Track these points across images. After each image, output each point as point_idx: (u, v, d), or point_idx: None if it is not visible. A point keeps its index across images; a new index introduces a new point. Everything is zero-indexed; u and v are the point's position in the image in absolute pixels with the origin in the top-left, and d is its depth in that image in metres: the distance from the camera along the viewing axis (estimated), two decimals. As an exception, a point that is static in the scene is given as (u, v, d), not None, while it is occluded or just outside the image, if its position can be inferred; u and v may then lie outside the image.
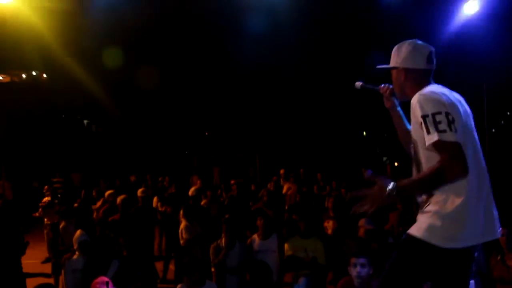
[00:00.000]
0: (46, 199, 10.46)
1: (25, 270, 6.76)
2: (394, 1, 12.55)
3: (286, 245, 6.11)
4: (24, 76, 23.64)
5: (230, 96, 18.55)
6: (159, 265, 7.55)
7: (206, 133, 21.99)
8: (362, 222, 6.22)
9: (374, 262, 4.93)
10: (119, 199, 8.17)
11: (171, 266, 8.40)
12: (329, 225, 7.90)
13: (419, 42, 2.85)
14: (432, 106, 2.53)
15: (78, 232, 5.96)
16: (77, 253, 5.79)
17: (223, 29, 14.79)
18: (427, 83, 2.78)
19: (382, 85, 3.10)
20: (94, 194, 11.56)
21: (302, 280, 4.90)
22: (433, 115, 2.50)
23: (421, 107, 2.56)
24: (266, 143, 19.14)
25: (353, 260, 4.71)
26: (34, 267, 8.91)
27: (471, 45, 13.41)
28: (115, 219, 7.63)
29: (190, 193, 8.83)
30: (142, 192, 9.19)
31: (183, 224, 7.46)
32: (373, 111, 20.77)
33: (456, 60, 13.63)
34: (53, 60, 19.35)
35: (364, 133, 24.53)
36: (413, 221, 6.84)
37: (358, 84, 3.21)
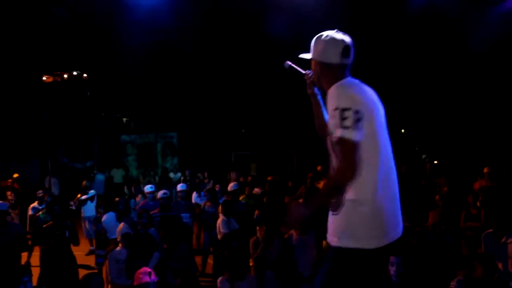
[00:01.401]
0: (79, 195, 10.75)
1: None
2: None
3: (324, 242, 6.13)
4: (65, 76, 24.39)
5: (267, 93, 18.60)
6: (197, 259, 7.68)
7: (243, 130, 22.10)
8: None
9: (412, 259, 4.95)
10: (158, 194, 8.35)
11: (210, 260, 8.53)
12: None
13: (337, 34, 2.74)
14: (345, 100, 2.51)
15: (121, 225, 6.14)
16: (120, 244, 5.96)
17: (261, 26, 14.83)
18: (342, 77, 2.71)
19: (308, 71, 3.00)
20: (132, 189, 11.81)
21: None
22: (343, 110, 2.48)
23: (335, 99, 2.55)
24: (303, 139, 19.10)
25: (391, 258, 4.76)
26: (78, 258, 9.19)
27: None
28: (155, 213, 7.81)
29: (228, 188, 8.93)
30: (181, 187, 9.35)
31: (220, 219, 7.56)
32: (412, 108, 20.44)
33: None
34: (94, 60, 19.89)
35: (403, 130, 24.16)
36: (455, 218, 6.72)
37: (287, 63, 3.10)
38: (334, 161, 2.69)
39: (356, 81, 2.72)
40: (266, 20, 14.21)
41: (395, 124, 24.15)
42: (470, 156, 16.54)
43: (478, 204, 7.96)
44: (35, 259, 8.05)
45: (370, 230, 2.52)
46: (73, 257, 6.65)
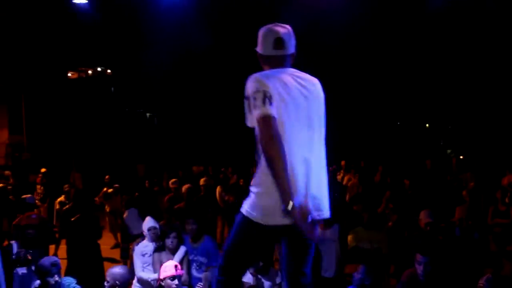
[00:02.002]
0: (105, 189, 10.89)
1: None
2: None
3: (349, 237, 6.09)
4: (90, 72, 24.73)
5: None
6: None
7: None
8: (422, 214, 6.09)
9: (439, 255, 4.87)
10: (184, 188, 8.40)
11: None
12: (390, 216, 7.84)
13: (273, 26, 2.80)
14: (254, 86, 2.61)
15: (147, 218, 6.19)
16: (145, 238, 6.02)
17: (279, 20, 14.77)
18: (275, 67, 2.77)
19: None
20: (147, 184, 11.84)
21: (360, 268, 4.91)
22: (253, 94, 2.59)
23: (246, 88, 2.65)
24: (326, 134, 19.02)
25: (419, 257, 4.68)
26: (103, 252, 9.31)
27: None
28: (180, 207, 7.86)
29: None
30: (205, 181, 9.39)
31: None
32: (436, 102, 20.14)
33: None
34: (117, 57, 20.11)
35: (427, 125, 23.86)
36: (482, 213, 6.57)
37: None
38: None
39: (278, 71, 2.73)
40: (284, 14, 14.15)
41: (420, 119, 23.97)
42: (497, 151, 16.22)
43: (506, 200, 7.81)
44: (62, 252, 8.21)
45: (264, 207, 2.61)
46: (98, 250, 6.74)
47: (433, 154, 17.71)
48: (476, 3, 13.85)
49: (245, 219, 2.69)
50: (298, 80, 2.76)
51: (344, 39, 15.93)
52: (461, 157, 17.92)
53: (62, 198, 10.27)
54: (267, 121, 2.55)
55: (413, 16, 15.40)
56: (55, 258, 4.48)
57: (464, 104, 19.19)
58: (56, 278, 4.28)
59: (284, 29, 2.81)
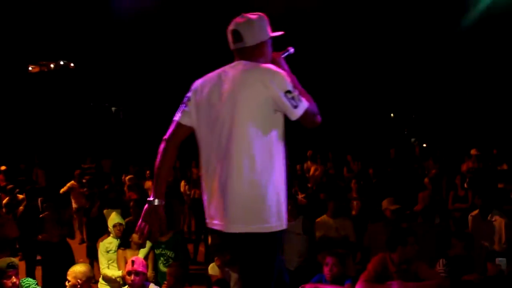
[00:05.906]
0: (72, 183, 10.67)
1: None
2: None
3: (316, 226, 6.08)
4: (52, 66, 24.07)
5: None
6: (189, 247, 7.67)
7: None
8: (385, 203, 6.06)
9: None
10: (147, 184, 8.32)
11: (201, 248, 8.54)
12: (353, 205, 7.92)
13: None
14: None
15: (113, 214, 6.11)
16: (111, 234, 5.94)
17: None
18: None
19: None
20: (123, 179, 11.76)
21: (329, 259, 4.93)
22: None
23: None
24: (293, 125, 19.11)
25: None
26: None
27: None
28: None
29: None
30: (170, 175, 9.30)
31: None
32: (400, 92, 20.48)
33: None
34: (80, 50, 19.66)
35: (392, 114, 24.26)
36: (443, 200, 6.54)
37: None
38: None
39: (226, 66, 2.69)
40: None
41: (384, 109, 24.30)
42: (459, 138, 16.66)
43: (465, 185, 8.01)
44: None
45: None
46: None
47: (398, 143, 18.03)
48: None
49: None
50: (222, 75, 2.64)
51: (312, 30, 15.99)
52: (424, 145, 18.29)
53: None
54: (172, 125, 2.79)
55: (377, 5, 15.58)
56: (11, 259, 4.35)
57: (427, 93, 19.57)
58: (14, 279, 4.15)
59: (238, 19, 2.67)
